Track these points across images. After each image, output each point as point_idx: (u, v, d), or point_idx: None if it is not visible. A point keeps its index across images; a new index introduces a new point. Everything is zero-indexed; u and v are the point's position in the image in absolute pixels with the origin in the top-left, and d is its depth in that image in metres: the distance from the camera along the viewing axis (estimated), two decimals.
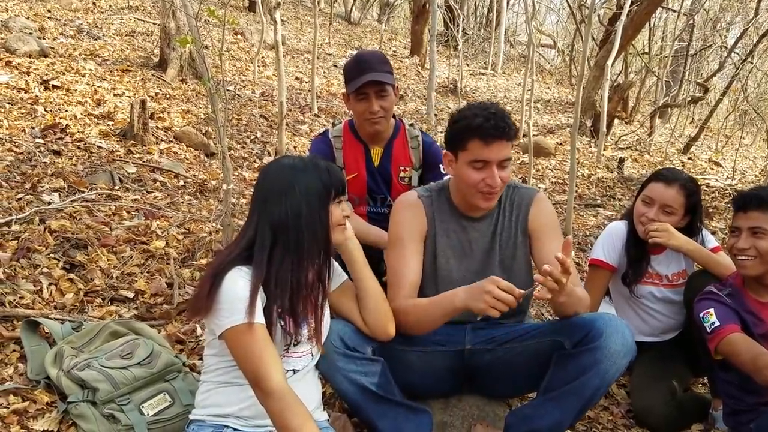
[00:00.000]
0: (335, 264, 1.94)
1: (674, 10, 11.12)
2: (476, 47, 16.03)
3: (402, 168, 2.83)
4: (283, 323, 1.69)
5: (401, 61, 12.63)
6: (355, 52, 12.62)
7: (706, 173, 8.32)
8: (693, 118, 13.26)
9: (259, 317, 1.62)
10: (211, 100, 2.99)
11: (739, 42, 10.94)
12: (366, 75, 2.57)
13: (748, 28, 9.71)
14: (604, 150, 8.08)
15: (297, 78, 9.23)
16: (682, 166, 8.69)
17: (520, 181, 6.16)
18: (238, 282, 1.62)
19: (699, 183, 2.68)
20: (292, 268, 1.68)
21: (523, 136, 7.66)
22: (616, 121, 10.05)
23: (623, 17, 7.07)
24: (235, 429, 1.68)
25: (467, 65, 14.06)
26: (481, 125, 1.93)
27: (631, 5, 8.02)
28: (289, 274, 1.68)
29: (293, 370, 1.77)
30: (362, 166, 2.79)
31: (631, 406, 2.60)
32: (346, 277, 1.98)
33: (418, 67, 12.45)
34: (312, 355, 1.84)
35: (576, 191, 6.21)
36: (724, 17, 13.33)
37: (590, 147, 8.46)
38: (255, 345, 1.58)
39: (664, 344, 2.76)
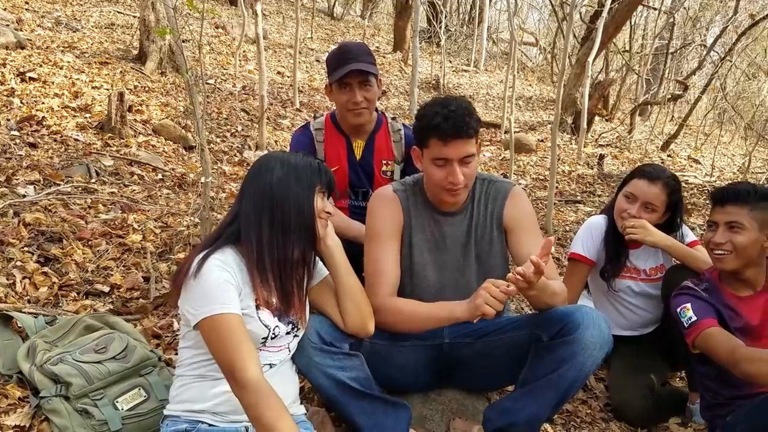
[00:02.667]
0: (317, 259, 1.92)
1: (655, 8, 11.21)
2: (459, 44, 16.06)
3: (384, 162, 2.81)
4: (261, 315, 1.68)
5: (384, 57, 12.61)
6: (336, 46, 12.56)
7: (685, 170, 8.41)
8: (673, 116, 13.38)
9: (236, 307, 1.60)
10: (190, 92, 2.94)
11: (719, 41, 11.06)
12: (350, 64, 2.55)
13: (727, 26, 9.81)
14: (584, 147, 8.13)
15: (279, 72, 9.17)
16: (662, 163, 8.77)
17: (502, 176, 6.18)
18: (214, 271, 1.60)
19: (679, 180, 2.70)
20: (277, 245, 1.68)
21: (505, 132, 7.68)
22: (596, 118, 10.12)
23: (604, 15, 7.10)
24: (210, 425, 1.66)
25: (450, 62, 14.07)
26: (439, 125, 1.93)
27: (612, 3, 8.07)
28: (275, 250, 1.68)
29: (269, 364, 1.75)
30: (344, 160, 2.77)
31: (610, 399, 2.62)
32: (327, 273, 1.95)
33: (401, 63, 12.43)
34: (289, 350, 1.83)
35: (556, 187, 6.25)
36: (704, 16, 13.47)
37: (571, 144, 8.51)
38: (231, 335, 1.56)
39: (642, 338, 2.78)
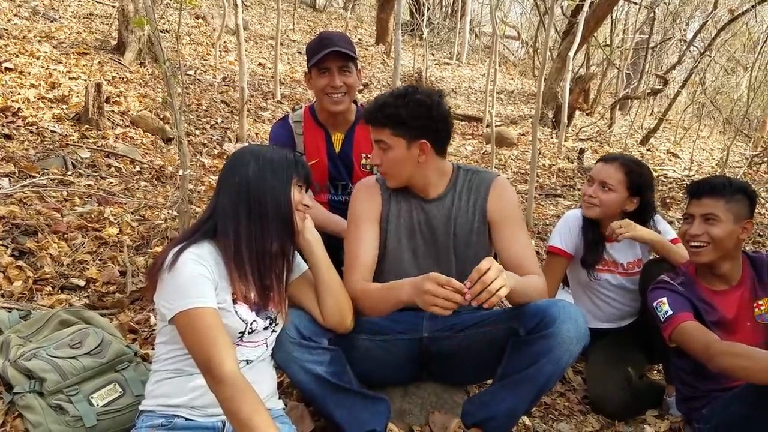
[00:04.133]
0: (296, 253, 1.91)
1: (636, 3, 11.26)
2: (442, 37, 16.04)
3: (364, 155, 2.79)
4: (238, 310, 1.67)
5: (366, 50, 12.56)
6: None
7: (665, 164, 8.49)
8: (653, 111, 13.50)
9: (212, 301, 1.59)
10: (168, 83, 2.91)
11: (700, 36, 11.15)
12: (328, 47, 2.54)
13: (706, 21, 9.89)
14: (565, 141, 8.17)
15: (260, 64, 9.10)
16: (641, 157, 8.85)
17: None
18: (188, 264, 1.59)
19: (651, 169, 2.72)
20: (255, 237, 1.67)
21: (486, 126, 7.70)
22: (577, 112, 10.17)
23: (585, 9, 7.13)
24: (186, 419, 1.64)
25: (432, 55, 14.05)
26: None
27: None
28: (253, 242, 1.67)
29: (246, 360, 1.74)
30: (323, 153, 2.74)
31: (587, 392, 2.63)
32: (306, 267, 1.94)
33: (384, 55, 12.39)
34: (267, 346, 1.81)
35: (537, 181, 6.27)
36: (685, 11, 13.58)
37: (552, 138, 8.55)
38: (207, 329, 1.54)
39: (619, 331, 2.80)
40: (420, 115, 2.04)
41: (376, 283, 2.09)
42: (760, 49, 7.92)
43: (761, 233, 5.96)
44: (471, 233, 2.17)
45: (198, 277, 1.59)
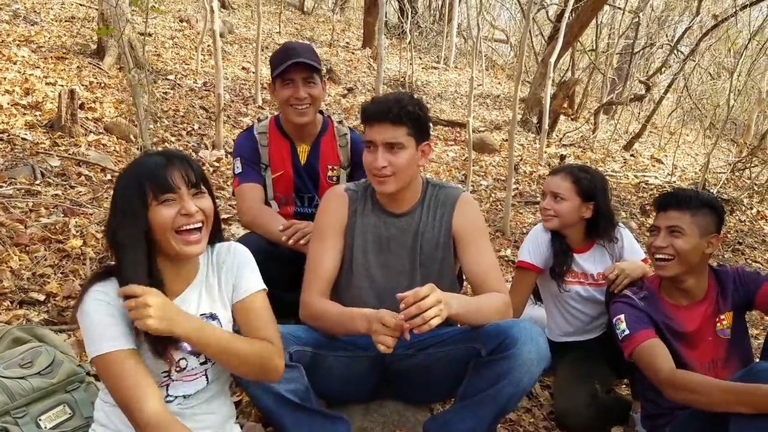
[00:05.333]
0: (242, 274, 1.73)
1: (620, 8, 11.29)
2: (429, 41, 16.03)
3: (330, 166, 2.77)
4: (150, 347, 1.53)
5: (353, 53, 12.53)
6: (305, 42, 12.46)
7: (648, 170, 8.50)
8: (639, 116, 13.54)
9: (126, 342, 1.48)
10: (133, 92, 2.88)
11: (685, 41, 11.20)
12: (292, 58, 2.51)
13: (689, 27, 9.93)
14: (548, 147, 8.17)
15: (244, 68, 9.04)
16: (625, 162, 8.86)
17: (463, 177, 6.16)
18: (94, 305, 1.49)
19: (602, 174, 2.75)
20: (129, 275, 1.50)
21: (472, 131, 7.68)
22: (562, 117, 10.18)
23: (566, 14, 7.13)
24: None
25: (420, 59, 14.04)
26: (367, 108, 2.04)
27: (576, 3, 8.11)
28: (123, 277, 1.50)
29: (183, 395, 1.66)
30: (288, 164, 2.71)
31: (553, 407, 2.61)
32: (252, 291, 1.71)
33: (370, 59, 12.36)
34: (207, 378, 1.70)
35: (517, 188, 6.26)
36: (670, 16, 13.64)
37: (535, 143, 8.53)
38: (122, 373, 1.45)
39: (588, 344, 2.78)
40: (426, 116, 2.08)
41: (337, 304, 2.07)
42: (742, 54, 7.93)
43: (740, 241, 5.98)
44: (437, 249, 2.16)
45: (106, 318, 1.48)
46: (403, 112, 2.00)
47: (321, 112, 2.81)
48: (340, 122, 2.84)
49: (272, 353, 1.64)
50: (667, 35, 12.58)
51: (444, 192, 2.19)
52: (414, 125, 2.04)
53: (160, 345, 1.52)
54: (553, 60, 7.46)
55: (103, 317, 1.48)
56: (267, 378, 1.71)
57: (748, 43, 7.55)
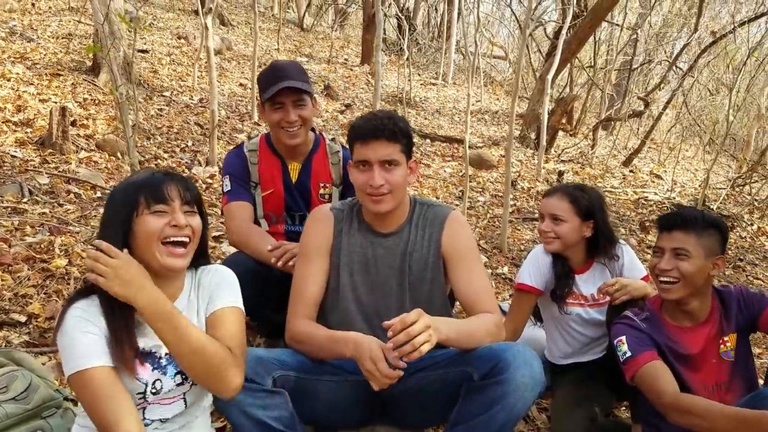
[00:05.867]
0: (218, 289, 1.70)
1: (618, 25, 11.30)
2: (428, 57, 16.08)
3: (322, 184, 2.72)
4: (124, 366, 1.50)
5: (351, 70, 12.54)
6: (304, 59, 12.50)
7: (647, 186, 8.45)
8: (638, 131, 13.52)
9: (104, 359, 1.46)
10: (120, 108, 2.82)
11: (684, 57, 11.19)
12: (282, 82, 2.46)
13: (688, 43, 9.93)
14: (546, 163, 8.12)
15: (241, 84, 9.03)
16: (624, 178, 8.81)
17: (460, 193, 6.10)
18: (73, 322, 1.47)
19: (599, 191, 2.68)
20: (107, 294, 1.48)
21: (469, 147, 7.64)
22: (561, 133, 10.14)
23: (564, 31, 7.11)
24: None
25: (418, 75, 14.06)
26: (360, 126, 1.98)
27: (575, 20, 8.11)
28: (106, 297, 1.49)
29: (161, 419, 1.61)
30: (279, 182, 2.67)
31: (550, 431, 2.53)
32: (225, 305, 1.67)
33: (368, 75, 12.37)
34: (186, 402, 1.66)
35: (515, 205, 6.20)
36: (668, 33, 13.67)
37: (533, 159, 8.49)
38: (98, 391, 1.43)
39: (588, 366, 2.70)
40: (411, 133, 2.06)
41: (322, 327, 2.01)
42: (740, 70, 7.92)
43: (741, 257, 5.91)
44: (426, 269, 2.10)
45: (84, 335, 1.46)
46: (397, 128, 1.97)
47: (313, 129, 2.76)
48: (332, 139, 2.79)
49: (229, 363, 1.56)
50: (665, 51, 12.60)
51: (433, 210, 2.14)
52: (406, 142, 2.01)
53: (120, 347, 1.49)
54: (550, 76, 7.44)
55: (82, 334, 1.46)
56: (220, 389, 1.60)
57: (747, 59, 7.52)
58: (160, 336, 1.50)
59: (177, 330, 1.49)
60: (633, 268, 2.66)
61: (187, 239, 1.55)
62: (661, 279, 2.11)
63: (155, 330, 1.49)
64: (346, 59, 13.69)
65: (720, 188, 8.45)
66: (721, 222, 2.17)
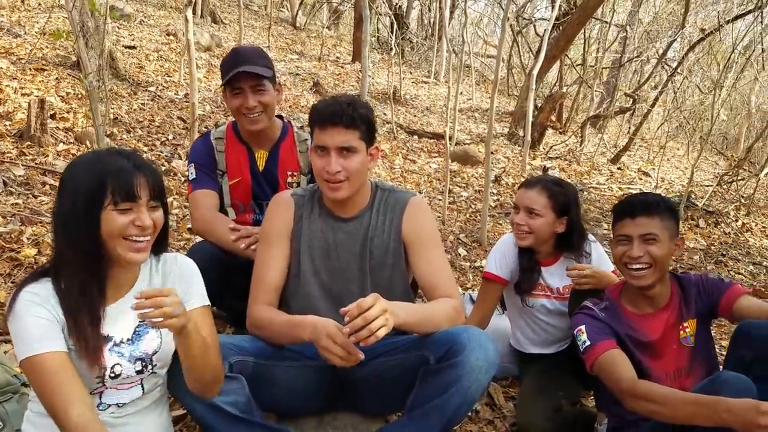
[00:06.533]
0: (188, 288, 1.70)
1: (606, 22, 11.32)
2: (420, 55, 16.07)
3: (290, 173, 2.71)
4: (76, 349, 1.48)
5: (342, 67, 12.53)
6: (295, 56, 12.49)
7: (634, 183, 8.46)
8: (628, 129, 13.54)
9: (56, 344, 1.44)
10: (90, 98, 2.81)
11: (672, 54, 11.22)
12: (239, 67, 2.44)
13: (674, 40, 9.95)
14: (533, 160, 8.13)
15: None
16: (611, 175, 8.82)
17: (443, 187, 6.10)
18: (24, 306, 1.45)
19: (574, 187, 2.68)
20: (65, 278, 1.50)
21: (456, 144, 7.65)
22: (550, 130, 10.15)
23: (549, 28, 7.12)
24: None
25: (410, 73, 14.05)
26: (319, 110, 1.97)
27: (564, 17, 8.11)
28: (66, 279, 1.50)
29: (117, 404, 1.60)
30: (246, 171, 2.65)
31: (515, 419, 2.53)
32: (196, 306, 1.69)
33: (359, 73, 12.35)
34: (143, 388, 1.65)
35: (498, 200, 6.21)
36: (660, 29, 13.68)
37: (521, 156, 8.50)
38: (49, 376, 1.41)
39: (555, 356, 2.71)
40: (374, 119, 2.04)
41: (282, 312, 2.02)
42: (727, 66, 7.93)
43: (724, 253, 5.92)
44: (387, 254, 2.10)
45: (36, 320, 1.44)
46: (356, 114, 1.95)
47: (281, 117, 2.75)
48: (301, 127, 2.78)
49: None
50: (655, 48, 12.61)
51: (394, 196, 2.13)
52: (367, 129, 1.99)
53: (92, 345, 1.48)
54: (535, 72, 7.43)
55: (33, 319, 1.44)
56: (213, 390, 1.69)
57: (731, 54, 7.53)
58: (188, 347, 1.51)
59: (204, 339, 1.55)
60: (602, 262, 2.66)
61: (149, 237, 1.54)
62: (633, 266, 2.11)
63: (189, 342, 1.50)
64: (337, 57, 13.67)
65: (708, 185, 8.47)
66: (674, 204, 2.21)
